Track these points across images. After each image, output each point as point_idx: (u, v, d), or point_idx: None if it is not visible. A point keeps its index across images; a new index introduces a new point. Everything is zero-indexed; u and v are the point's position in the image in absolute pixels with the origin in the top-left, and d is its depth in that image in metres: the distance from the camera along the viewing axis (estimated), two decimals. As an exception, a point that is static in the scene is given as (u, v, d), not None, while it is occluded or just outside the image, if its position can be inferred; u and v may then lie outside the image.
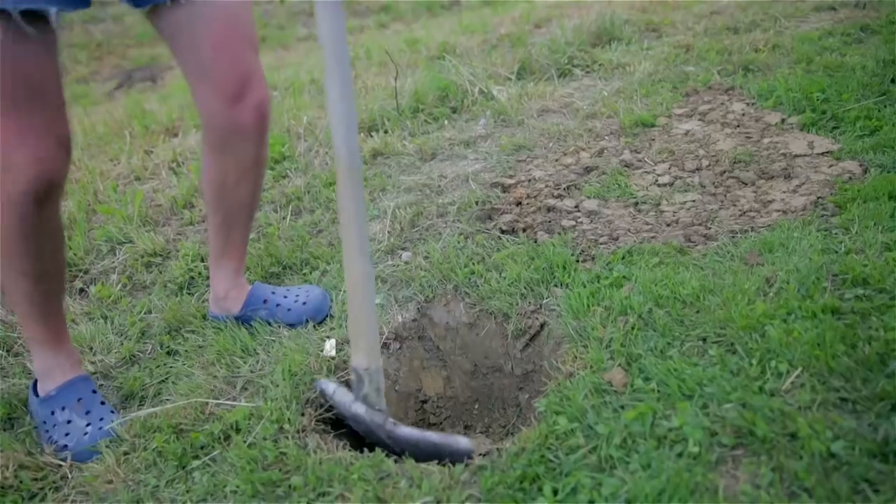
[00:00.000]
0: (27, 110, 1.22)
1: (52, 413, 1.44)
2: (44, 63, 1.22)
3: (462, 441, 1.25)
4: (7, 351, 1.75)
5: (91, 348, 1.72)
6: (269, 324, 1.67)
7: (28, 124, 1.22)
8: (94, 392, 1.48)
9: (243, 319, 1.70)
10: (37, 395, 1.49)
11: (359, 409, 1.29)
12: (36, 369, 1.50)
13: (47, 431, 1.42)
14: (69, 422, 1.42)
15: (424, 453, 1.26)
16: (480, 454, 1.22)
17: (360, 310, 1.21)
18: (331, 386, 1.38)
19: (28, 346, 1.53)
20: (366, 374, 1.25)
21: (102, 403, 1.46)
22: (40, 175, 1.24)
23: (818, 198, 1.80)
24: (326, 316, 1.69)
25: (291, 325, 1.66)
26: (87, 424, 1.41)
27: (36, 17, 1.17)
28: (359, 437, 1.36)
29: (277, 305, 1.69)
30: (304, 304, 1.68)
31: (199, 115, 1.49)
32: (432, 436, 1.28)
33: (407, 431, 1.29)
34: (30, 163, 1.23)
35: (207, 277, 1.92)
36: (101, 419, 1.43)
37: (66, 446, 1.39)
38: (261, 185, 1.60)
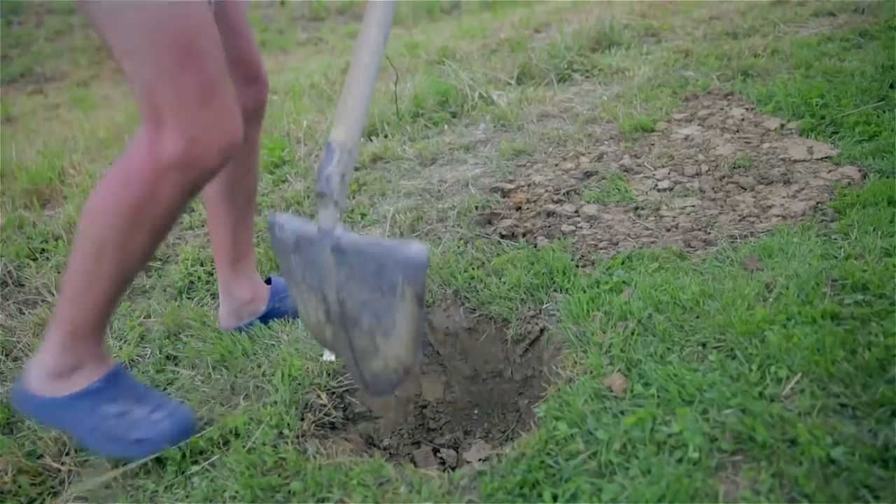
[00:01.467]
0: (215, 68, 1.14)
1: (96, 409, 1.30)
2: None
3: (414, 247, 1.00)
4: (6, 355, 1.75)
5: (90, 353, 1.72)
6: (271, 327, 1.67)
7: (230, 91, 1.17)
8: (134, 378, 1.40)
9: (273, 314, 1.70)
10: (48, 396, 1.31)
11: (309, 228, 1.10)
12: (58, 364, 1.31)
13: (94, 430, 1.29)
14: (124, 413, 1.30)
15: (370, 266, 1.03)
16: (480, 460, 1.22)
17: (356, 78, 1.06)
18: (283, 216, 1.18)
19: (56, 341, 1.30)
20: (337, 149, 1.05)
21: (147, 388, 1.38)
22: (233, 144, 1.17)
23: (817, 203, 1.80)
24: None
25: None
26: (151, 411, 1.31)
27: None
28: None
29: None
30: None
31: None
32: (382, 242, 1.05)
33: (355, 238, 1.06)
34: (224, 131, 1.15)
35: (207, 282, 1.92)
36: (161, 406, 1.33)
37: (140, 440, 1.29)
38: (257, 177, 1.62)
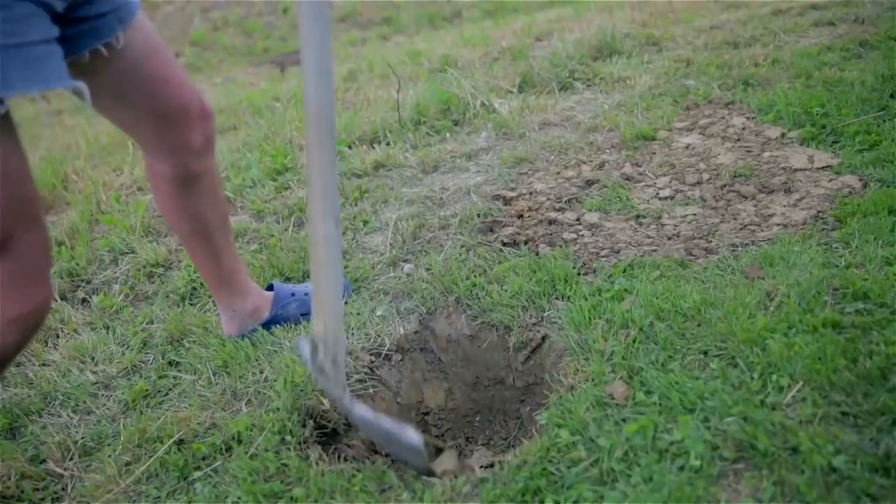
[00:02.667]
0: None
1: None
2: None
3: (410, 435, 1.13)
4: (9, 360, 1.75)
5: (93, 358, 1.72)
6: (274, 333, 1.67)
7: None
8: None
9: (276, 320, 1.71)
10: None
11: (322, 380, 1.21)
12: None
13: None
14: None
15: (378, 439, 1.24)
16: (481, 466, 1.22)
17: (322, 275, 1.13)
18: (307, 348, 1.22)
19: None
20: (321, 343, 1.15)
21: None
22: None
23: (818, 212, 1.81)
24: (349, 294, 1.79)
25: None
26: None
27: None
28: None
29: (306, 294, 1.73)
30: None
31: (157, 159, 1.42)
32: (384, 421, 1.18)
33: (362, 412, 1.19)
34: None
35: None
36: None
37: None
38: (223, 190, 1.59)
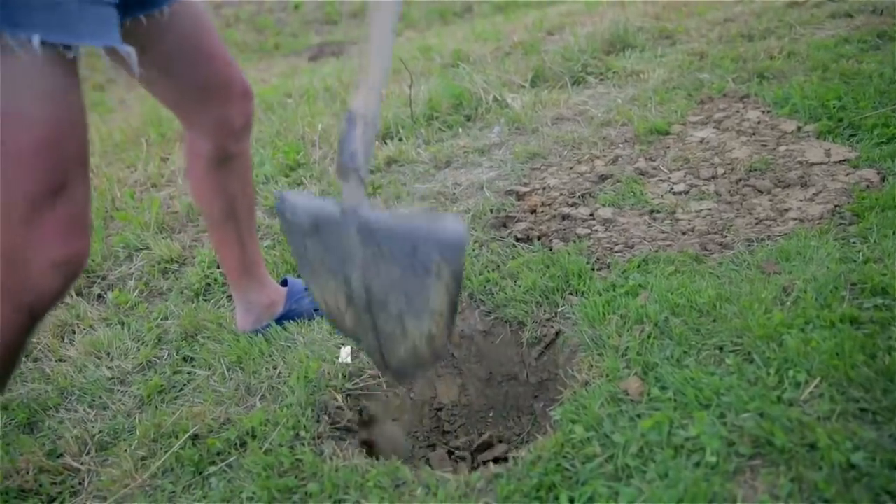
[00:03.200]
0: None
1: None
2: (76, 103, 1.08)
3: (450, 225, 0.91)
4: (26, 356, 1.77)
5: (108, 354, 1.74)
6: (288, 329, 1.68)
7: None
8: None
9: (289, 315, 1.72)
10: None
11: (328, 206, 1.04)
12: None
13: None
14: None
15: (403, 245, 0.95)
16: (495, 459, 1.22)
17: (377, 53, 1.00)
18: (293, 194, 1.12)
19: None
20: (359, 120, 0.99)
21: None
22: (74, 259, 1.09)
23: (835, 206, 1.79)
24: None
25: None
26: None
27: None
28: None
29: None
30: None
31: (195, 136, 1.46)
32: (415, 219, 0.97)
33: (384, 215, 0.99)
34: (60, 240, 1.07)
35: (224, 284, 1.93)
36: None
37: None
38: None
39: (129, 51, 1.09)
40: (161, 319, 1.85)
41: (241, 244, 1.62)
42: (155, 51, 1.28)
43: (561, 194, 2.09)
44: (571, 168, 2.29)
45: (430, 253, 0.93)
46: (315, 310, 1.72)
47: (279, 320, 1.71)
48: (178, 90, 1.39)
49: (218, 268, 2.00)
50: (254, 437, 1.36)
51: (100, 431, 1.46)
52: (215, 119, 1.43)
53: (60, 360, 1.75)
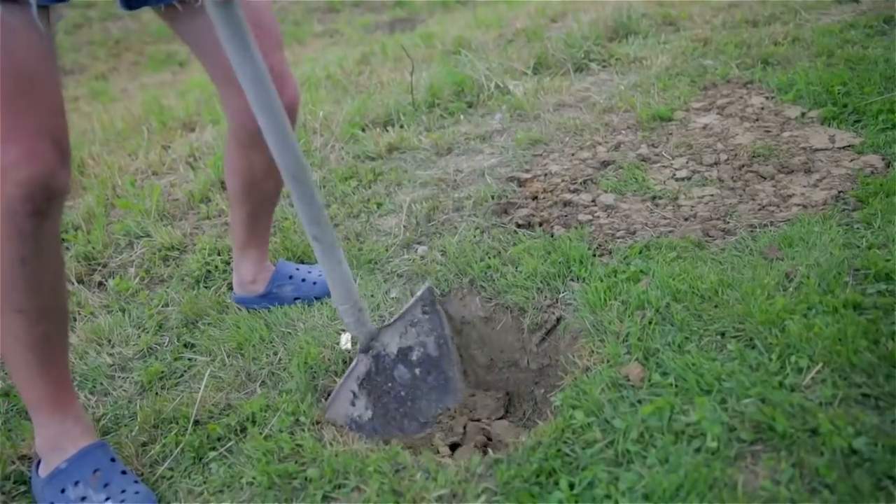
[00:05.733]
0: (20, 106, 1.07)
1: (63, 491, 1.23)
2: (36, 57, 1.09)
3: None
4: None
5: (109, 340, 1.74)
6: (288, 315, 1.68)
7: (20, 122, 1.08)
8: (114, 460, 1.27)
9: (269, 298, 1.74)
10: (40, 476, 1.27)
11: (360, 366, 1.41)
12: (39, 446, 1.28)
13: None
14: (83, 499, 1.21)
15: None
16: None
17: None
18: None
19: (30, 414, 1.30)
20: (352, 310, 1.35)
21: (124, 473, 1.26)
22: (36, 177, 1.08)
23: (839, 192, 1.77)
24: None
25: (317, 298, 1.73)
26: (107, 499, 1.21)
27: (20, 5, 1.06)
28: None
29: (303, 280, 1.75)
30: None
31: (226, 114, 1.51)
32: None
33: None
34: (24, 162, 1.07)
35: (224, 271, 1.93)
36: (123, 492, 1.22)
37: None
38: None
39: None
40: (162, 306, 1.84)
41: (246, 226, 1.66)
42: (187, 33, 1.37)
43: (563, 181, 2.08)
44: (573, 154, 2.27)
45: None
46: (295, 298, 1.74)
47: (262, 300, 1.74)
48: (210, 66, 1.42)
49: (219, 255, 1.99)
50: (254, 422, 1.36)
51: (101, 417, 1.46)
52: (233, 107, 1.44)
53: (61, 347, 1.74)
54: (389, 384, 1.47)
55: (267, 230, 1.73)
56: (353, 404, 1.40)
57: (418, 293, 1.44)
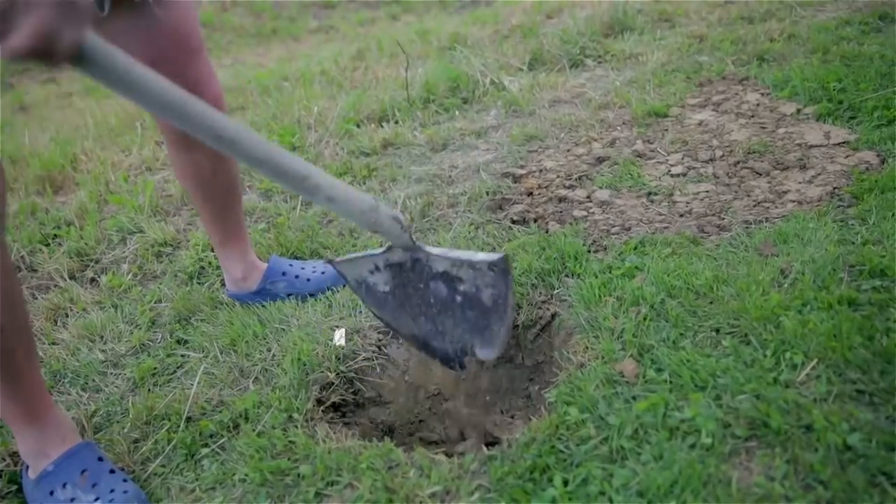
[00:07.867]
0: None
1: (52, 493, 1.22)
2: None
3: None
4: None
5: (102, 337, 1.73)
6: (282, 311, 1.67)
7: None
8: (101, 460, 1.26)
9: (263, 294, 1.73)
10: (30, 478, 1.27)
11: (393, 254, 1.19)
12: (23, 453, 1.27)
13: None
14: (72, 500, 1.21)
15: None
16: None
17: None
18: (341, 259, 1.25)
19: (8, 426, 1.28)
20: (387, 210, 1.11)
21: (112, 472, 1.24)
22: None
23: (834, 188, 1.77)
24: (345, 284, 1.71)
25: (311, 295, 1.72)
26: (96, 499, 1.20)
27: None
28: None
29: (297, 276, 1.74)
30: (324, 273, 1.74)
31: (156, 122, 1.49)
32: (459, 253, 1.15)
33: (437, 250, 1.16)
34: None
35: (217, 267, 1.92)
36: (112, 491, 1.21)
37: None
38: (237, 166, 1.62)
39: None
40: (154, 302, 1.83)
41: (217, 224, 1.66)
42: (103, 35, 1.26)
43: (558, 177, 2.07)
44: (568, 150, 2.27)
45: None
46: (288, 294, 1.73)
47: (255, 296, 1.73)
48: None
49: (212, 251, 1.98)
50: (247, 419, 1.35)
51: (93, 414, 1.45)
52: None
53: (53, 344, 1.73)
54: (421, 286, 1.22)
55: (239, 223, 1.70)
56: (371, 273, 1.25)
57: (492, 255, 1.13)
